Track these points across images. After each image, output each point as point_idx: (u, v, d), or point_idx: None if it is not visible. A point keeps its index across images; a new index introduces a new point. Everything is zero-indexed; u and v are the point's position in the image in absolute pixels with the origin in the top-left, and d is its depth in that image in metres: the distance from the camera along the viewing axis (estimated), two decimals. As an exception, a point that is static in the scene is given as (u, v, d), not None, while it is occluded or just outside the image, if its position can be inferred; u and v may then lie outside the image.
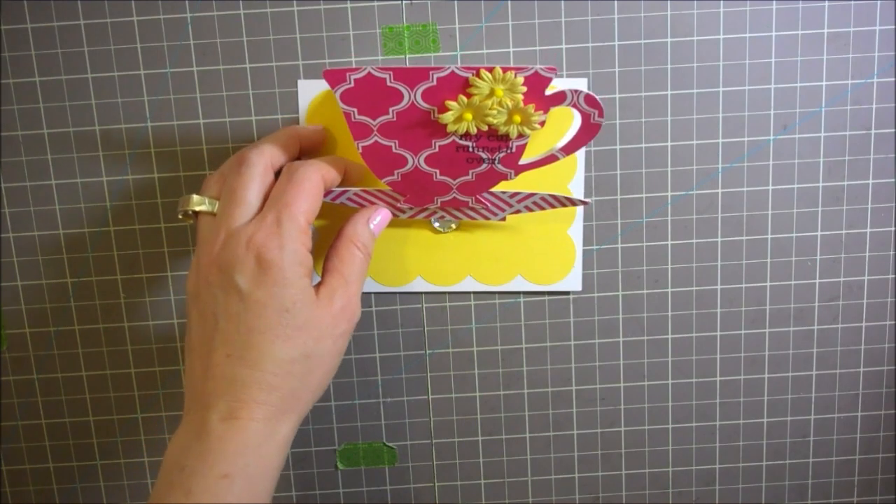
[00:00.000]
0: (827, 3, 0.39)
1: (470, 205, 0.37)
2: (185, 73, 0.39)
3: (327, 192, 0.37)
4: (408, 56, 0.39)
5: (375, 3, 0.39)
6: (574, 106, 0.33)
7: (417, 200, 0.37)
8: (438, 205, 0.37)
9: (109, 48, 0.39)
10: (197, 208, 0.34)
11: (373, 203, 0.37)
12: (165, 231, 0.41)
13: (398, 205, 0.37)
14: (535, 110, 0.33)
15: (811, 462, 0.45)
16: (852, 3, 0.39)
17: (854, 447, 0.44)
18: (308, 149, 0.38)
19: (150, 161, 0.40)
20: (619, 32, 0.39)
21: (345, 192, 0.37)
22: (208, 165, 0.40)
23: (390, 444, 0.44)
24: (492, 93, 0.32)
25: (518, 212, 0.38)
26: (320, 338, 0.32)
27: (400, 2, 0.39)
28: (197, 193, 0.35)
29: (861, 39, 0.39)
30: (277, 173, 0.35)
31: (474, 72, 0.32)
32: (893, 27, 0.39)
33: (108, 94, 0.39)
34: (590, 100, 0.33)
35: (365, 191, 0.37)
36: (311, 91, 0.39)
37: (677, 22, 0.39)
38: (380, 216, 0.37)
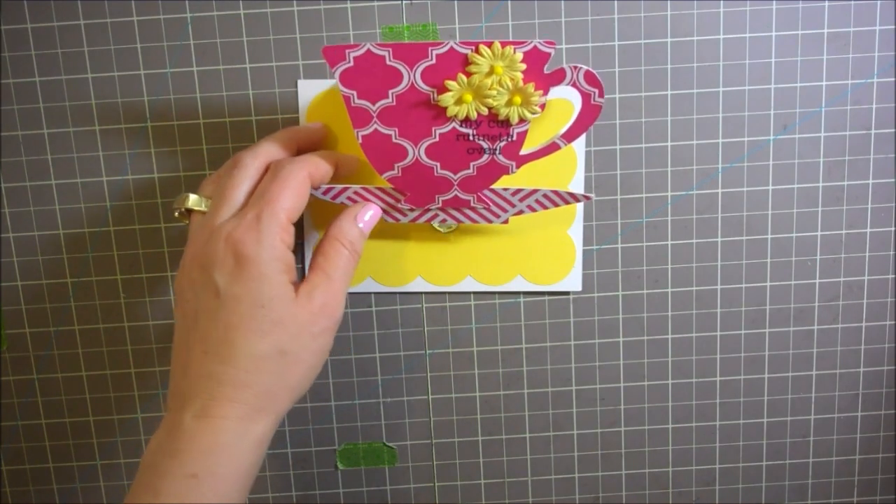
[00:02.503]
0: (827, 3, 0.39)
1: (472, 204, 0.37)
2: (185, 73, 0.39)
3: (327, 191, 0.36)
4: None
5: (375, 3, 0.39)
6: (574, 85, 0.33)
7: (419, 199, 0.37)
8: (440, 205, 0.37)
9: (109, 48, 0.39)
10: (191, 207, 0.34)
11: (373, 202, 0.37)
12: (165, 231, 0.41)
13: (399, 205, 0.37)
14: (535, 89, 0.33)
15: (811, 462, 0.45)
16: (852, 3, 0.39)
17: (854, 447, 0.44)
18: (307, 148, 0.38)
19: (150, 161, 0.40)
20: (619, 32, 0.39)
21: (345, 190, 0.37)
22: (208, 165, 0.40)
23: (390, 444, 0.44)
24: (491, 70, 0.32)
25: (521, 212, 0.38)
26: (297, 334, 0.32)
27: (400, 2, 0.39)
28: (194, 193, 0.35)
29: (861, 39, 0.39)
30: None
31: (473, 47, 0.32)
32: (893, 27, 0.39)
33: (108, 94, 0.39)
34: (590, 77, 0.33)
35: (365, 189, 0.37)
36: (311, 91, 0.39)
37: (677, 22, 0.39)
38: (369, 213, 0.36)
